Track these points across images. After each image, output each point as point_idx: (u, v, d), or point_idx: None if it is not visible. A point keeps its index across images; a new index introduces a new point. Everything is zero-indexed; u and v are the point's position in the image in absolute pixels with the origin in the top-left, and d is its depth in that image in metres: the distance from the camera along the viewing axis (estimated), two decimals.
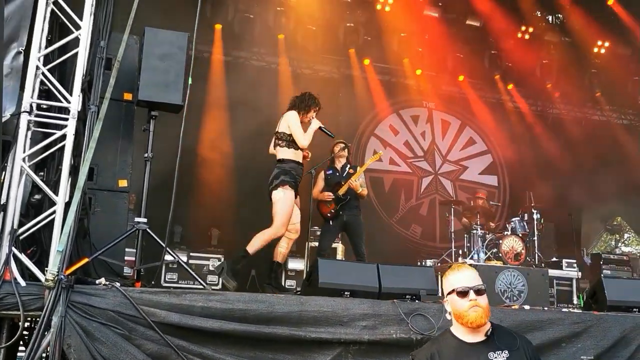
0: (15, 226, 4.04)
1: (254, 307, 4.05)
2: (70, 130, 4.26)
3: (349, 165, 7.12)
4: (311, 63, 11.70)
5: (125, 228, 4.94)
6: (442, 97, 12.90)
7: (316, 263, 5.10)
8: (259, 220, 10.02)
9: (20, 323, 3.72)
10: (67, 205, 4.06)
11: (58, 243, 3.85)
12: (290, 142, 5.29)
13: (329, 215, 6.88)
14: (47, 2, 4.40)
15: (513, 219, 9.14)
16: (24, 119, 4.19)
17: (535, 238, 9.20)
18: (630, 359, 4.88)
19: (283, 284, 9.22)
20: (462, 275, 2.70)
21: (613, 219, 14.51)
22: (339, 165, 7.13)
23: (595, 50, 12.04)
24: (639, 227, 14.84)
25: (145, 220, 4.66)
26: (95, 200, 4.94)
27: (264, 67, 11.46)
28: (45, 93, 4.50)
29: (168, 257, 4.97)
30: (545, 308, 5.61)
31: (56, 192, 4.16)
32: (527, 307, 5.60)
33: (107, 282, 3.94)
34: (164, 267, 8.42)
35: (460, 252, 9.31)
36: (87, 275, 4.31)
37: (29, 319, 3.91)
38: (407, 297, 5.12)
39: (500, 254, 8.32)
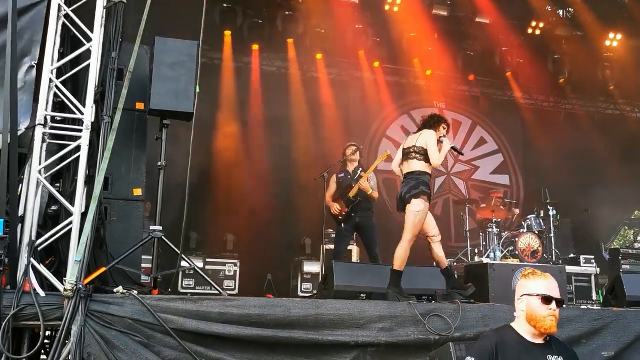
0: (33, 237, 4.10)
1: (271, 311, 4.07)
2: (84, 141, 4.31)
3: (360, 169, 7.10)
4: (321, 66, 11.72)
5: (141, 236, 4.99)
6: (453, 97, 12.86)
7: (332, 266, 5.13)
8: (274, 225, 10.18)
9: (40, 333, 3.77)
10: (84, 215, 4.11)
11: (76, 253, 3.90)
12: (426, 157, 5.48)
13: (340, 217, 6.88)
14: (58, 16, 4.47)
15: (529, 217, 9.08)
16: (38, 131, 4.26)
17: (552, 235, 9.14)
18: None
19: (300, 288, 9.27)
20: (549, 284, 2.83)
21: (632, 213, 14.35)
22: (351, 168, 7.12)
23: (608, 43, 11.90)
24: None
25: (160, 228, 4.70)
26: (111, 210, 4.99)
27: (274, 72, 11.52)
28: (59, 105, 4.57)
29: (184, 264, 5.01)
30: (564, 306, 5.56)
31: (72, 203, 4.22)
32: None
33: (125, 291, 3.99)
34: (181, 273, 8.48)
35: (477, 250, 9.27)
36: (105, 284, 4.35)
37: (49, 328, 3.96)
38: (424, 298, 5.12)
39: (517, 252, 8.27)
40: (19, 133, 4.22)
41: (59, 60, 4.49)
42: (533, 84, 12.96)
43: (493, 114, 12.94)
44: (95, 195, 4.03)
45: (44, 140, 4.30)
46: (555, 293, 2.82)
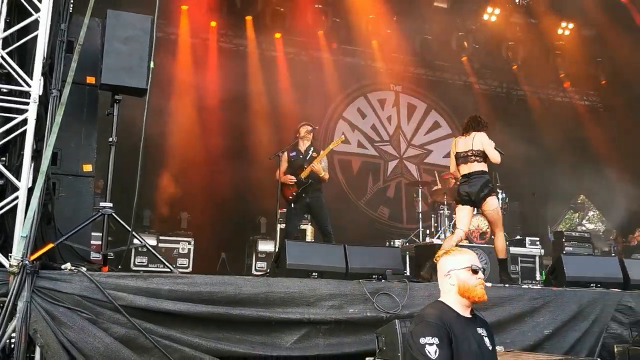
0: None
1: (222, 289, 4.09)
2: (31, 114, 4.19)
3: (312, 149, 7.09)
4: (279, 45, 11.64)
5: (91, 213, 4.91)
6: (410, 80, 13.00)
7: (284, 245, 5.17)
8: (229, 204, 10.15)
9: None
10: (31, 190, 4.02)
11: (22, 229, 3.82)
12: (485, 158, 6.10)
13: (290, 197, 6.91)
14: None
15: None
16: None
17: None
18: (587, 332, 5.10)
19: (254, 267, 9.31)
20: (472, 257, 2.96)
21: (576, 197, 14.92)
22: (302, 147, 7.10)
23: (560, 31, 12.22)
24: (602, 204, 15.24)
25: (110, 204, 4.63)
26: (59, 185, 4.89)
27: (231, 50, 11.38)
28: (4, 77, 4.42)
29: (137, 242, 4.97)
30: (506, 285, 5.79)
31: (19, 178, 4.11)
32: (489, 284, 5.75)
33: (73, 267, 3.94)
34: (133, 251, 8.39)
35: (428, 232, 9.47)
36: (53, 261, 4.28)
37: None
38: (374, 277, 5.23)
39: None
40: None
41: (5, 30, 4.34)
42: (487, 69, 13.23)
43: (448, 98, 13.15)
44: (42, 170, 3.94)
45: None
46: (480, 263, 2.98)
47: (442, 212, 9.08)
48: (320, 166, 6.80)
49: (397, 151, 12.69)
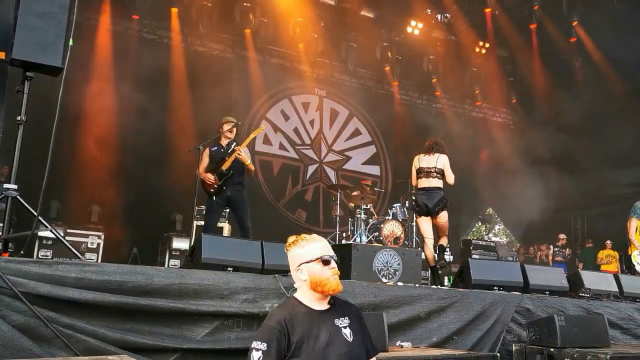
0: None
1: (132, 278, 3.94)
2: None
3: (234, 143, 7.01)
4: (205, 40, 11.49)
5: None
6: (334, 86, 13.22)
7: (200, 239, 5.06)
8: (144, 199, 9.82)
9: None
10: None
11: None
12: (442, 176, 7.11)
13: (212, 190, 6.79)
14: None
15: (394, 205, 9.55)
16: None
17: (414, 224, 9.70)
18: (489, 331, 5.35)
19: (167, 264, 9.08)
20: (322, 245, 2.76)
21: (485, 210, 15.68)
22: (224, 142, 7.01)
23: (477, 50, 12.87)
24: (507, 218, 16.09)
25: (15, 186, 4.35)
26: None
27: (155, 41, 11.10)
28: None
29: (42, 233, 4.69)
30: (417, 285, 5.99)
31: None
32: (400, 284, 5.94)
33: None
34: (37, 243, 7.96)
35: (344, 235, 9.61)
36: None
37: None
38: (289, 273, 5.23)
39: (381, 238, 8.68)
40: None
41: None
42: (409, 80, 13.68)
43: (370, 106, 13.48)
44: None
45: None
46: (330, 251, 2.75)
47: (359, 216, 9.25)
48: (245, 155, 6.73)
49: (317, 155, 12.83)
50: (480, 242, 10.71)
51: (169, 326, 4.05)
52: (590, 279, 6.68)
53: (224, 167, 6.71)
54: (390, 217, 9.14)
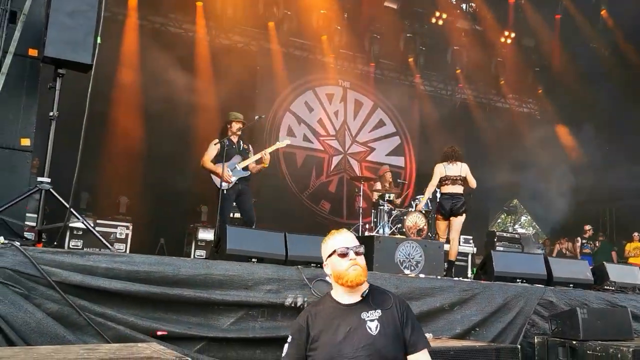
0: None
1: (160, 269, 4.08)
2: None
3: (242, 142, 7.22)
4: (229, 34, 11.59)
5: (27, 188, 4.77)
6: (358, 77, 13.21)
7: (224, 230, 5.17)
8: (171, 190, 10.00)
9: None
10: None
11: None
12: (464, 183, 7.87)
13: (228, 183, 6.96)
14: None
15: (418, 197, 9.55)
16: None
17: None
18: (511, 324, 5.37)
19: (193, 254, 9.25)
20: (341, 238, 2.77)
21: (510, 201, 15.56)
22: (234, 139, 7.19)
23: (502, 40, 12.72)
24: (534, 210, 15.93)
25: (48, 180, 4.52)
26: None
27: (180, 34, 11.25)
28: None
29: (73, 224, 4.85)
30: (439, 277, 6.03)
31: None
32: (422, 275, 5.98)
33: (6, 241, 3.84)
34: (68, 234, 8.17)
35: (367, 226, 9.66)
36: None
37: None
38: (312, 265, 5.32)
39: (404, 229, 8.70)
40: None
41: None
42: (433, 71, 13.59)
43: (394, 97, 13.43)
44: None
45: None
46: (349, 243, 2.73)
47: (382, 207, 9.28)
48: (268, 157, 7.06)
49: (342, 146, 12.86)
50: (505, 234, 10.66)
51: (195, 315, 4.18)
52: (616, 272, 6.64)
53: (241, 166, 6.95)
54: (413, 209, 9.15)
